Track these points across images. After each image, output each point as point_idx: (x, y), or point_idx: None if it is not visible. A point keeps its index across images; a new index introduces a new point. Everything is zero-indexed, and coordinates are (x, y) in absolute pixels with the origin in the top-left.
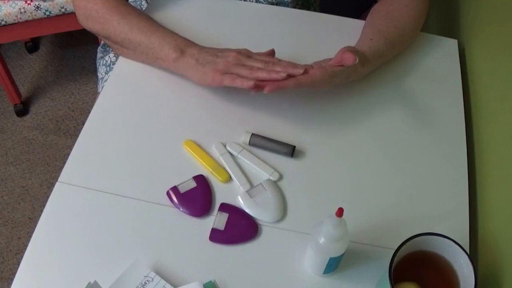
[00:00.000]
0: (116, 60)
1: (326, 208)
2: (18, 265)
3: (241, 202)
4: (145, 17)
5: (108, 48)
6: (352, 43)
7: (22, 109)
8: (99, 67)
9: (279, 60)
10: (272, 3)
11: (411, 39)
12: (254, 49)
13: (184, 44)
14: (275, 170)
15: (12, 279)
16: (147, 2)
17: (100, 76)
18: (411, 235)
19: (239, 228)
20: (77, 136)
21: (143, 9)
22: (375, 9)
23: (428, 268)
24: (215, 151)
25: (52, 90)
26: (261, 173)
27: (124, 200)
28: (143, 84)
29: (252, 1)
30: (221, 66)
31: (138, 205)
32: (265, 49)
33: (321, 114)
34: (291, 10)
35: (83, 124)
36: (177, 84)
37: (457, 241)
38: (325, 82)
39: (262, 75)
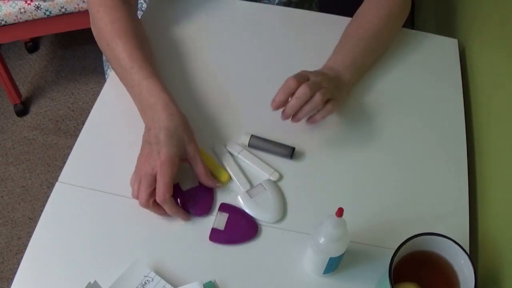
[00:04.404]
0: None
1: (326, 208)
2: (18, 265)
3: (241, 202)
4: (132, 44)
5: None
6: None
7: (22, 109)
8: (108, 70)
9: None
10: (272, 3)
11: (388, 37)
12: (253, 49)
13: (147, 103)
14: (275, 170)
15: (12, 279)
16: (145, 2)
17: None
18: (411, 235)
19: (239, 228)
20: (77, 136)
21: (143, 9)
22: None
23: (428, 268)
24: (215, 152)
25: (52, 90)
26: (261, 173)
27: (124, 200)
28: None
29: (253, 1)
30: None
31: (138, 205)
32: (264, 48)
33: None
34: (292, 10)
35: (83, 124)
36: (177, 85)
37: (457, 241)
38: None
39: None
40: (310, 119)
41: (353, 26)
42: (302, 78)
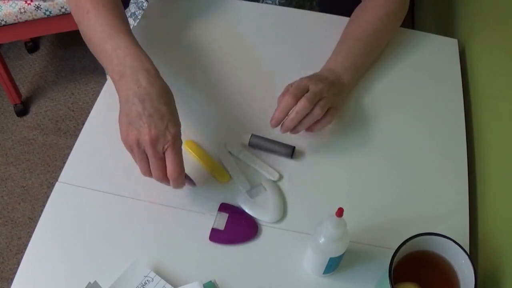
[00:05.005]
0: None
1: (326, 208)
2: (18, 265)
3: (241, 202)
4: (116, 14)
5: None
6: None
7: (22, 109)
8: None
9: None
10: (275, 3)
11: (387, 36)
12: (253, 49)
13: (133, 66)
14: (275, 170)
15: (12, 279)
16: (146, 0)
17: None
18: (411, 235)
19: (239, 228)
20: (77, 136)
21: (144, 7)
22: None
23: (428, 268)
24: (215, 152)
25: (52, 90)
26: (261, 173)
27: (124, 200)
28: None
29: (254, 1)
30: (131, 137)
31: (138, 205)
32: (264, 48)
33: None
34: (292, 10)
35: (83, 124)
36: (177, 85)
37: (457, 241)
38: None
39: (154, 175)
40: (308, 129)
41: (352, 26)
42: (301, 90)
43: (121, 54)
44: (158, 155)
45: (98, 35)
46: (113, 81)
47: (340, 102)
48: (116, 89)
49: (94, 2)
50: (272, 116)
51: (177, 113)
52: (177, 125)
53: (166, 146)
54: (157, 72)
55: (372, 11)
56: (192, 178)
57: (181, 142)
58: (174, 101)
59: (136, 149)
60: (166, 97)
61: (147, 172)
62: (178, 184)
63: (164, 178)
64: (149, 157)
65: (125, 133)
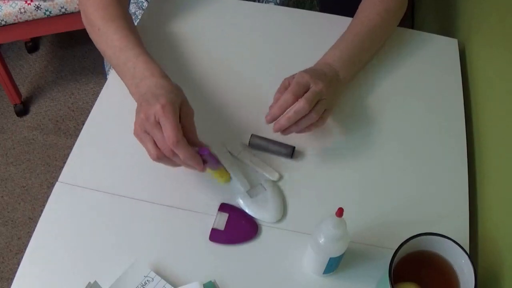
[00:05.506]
0: None
1: (326, 208)
2: (18, 265)
3: (241, 202)
4: (125, 27)
5: None
6: None
7: (22, 109)
8: (109, 70)
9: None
10: (276, 3)
11: (385, 32)
12: (254, 49)
13: (142, 75)
14: (275, 170)
15: (12, 279)
16: (147, 0)
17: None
18: (411, 235)
19: (239, 228)
20: (77, 136)
21: (144, 7)
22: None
23: (428, 268)
24: (215, 152)
25: (52, 90)
26: (261, 173)
27: (124, 200)
28: None
29: (255, 1)
30: (136, 125)
31: (138, 205)
32: (264, 48)
33: None
34: (292, 10)
35: (83, 124)
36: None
37: (457, 241)
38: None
39: (157, 155)
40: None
41: (353, 22)
42: (302, 87)
43: (131, 66)
44: (154, 125)
45: (110, 50)
46: (131, 93)
47: (335, 102)
48: (134, 98)
49: (103, 19)
50: (269, 111)
51: (180, 95)
52: (170, 98)
53: (157, 117)
54: (165, 75)
55: (372, 7)
56: (192, 178)
57: (177, 109)
58: (179, 90)
59: (140, 132)
60: (166, 84)
61: (156, 152)
62: (181, 149)
63: (170, 150)
64: (151, 134)
65: (135, 126)
